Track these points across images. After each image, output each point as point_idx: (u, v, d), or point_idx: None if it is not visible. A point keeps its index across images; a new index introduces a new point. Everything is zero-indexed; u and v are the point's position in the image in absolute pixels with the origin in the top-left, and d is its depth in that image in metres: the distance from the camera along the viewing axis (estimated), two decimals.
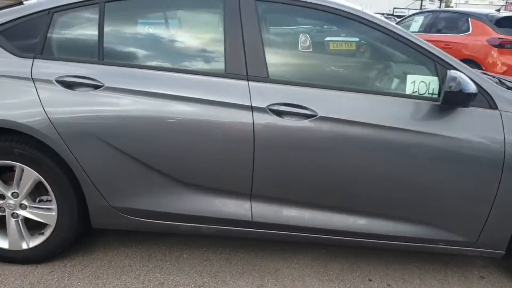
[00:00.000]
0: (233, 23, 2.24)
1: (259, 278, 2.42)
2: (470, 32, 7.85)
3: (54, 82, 2.20)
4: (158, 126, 2.19)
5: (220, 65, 2.26)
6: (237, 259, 2.58)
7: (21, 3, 2.43)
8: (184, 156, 2.23)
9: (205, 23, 2.46)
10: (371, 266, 2.58)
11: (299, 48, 2.42)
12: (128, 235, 2.72)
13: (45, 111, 2.18)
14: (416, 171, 2.19)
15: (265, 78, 2.21)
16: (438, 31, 8.47)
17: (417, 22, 9.06)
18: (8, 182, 2.35)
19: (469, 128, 2.17)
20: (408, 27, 9.10)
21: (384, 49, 2.44)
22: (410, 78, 2.25)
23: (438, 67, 2.23)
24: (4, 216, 2.36)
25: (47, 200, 2.37)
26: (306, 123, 2.16)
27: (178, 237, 2.73)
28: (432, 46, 2.27)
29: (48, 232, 2.38)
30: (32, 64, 2.23)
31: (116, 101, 2.19)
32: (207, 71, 2.30)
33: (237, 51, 2.22)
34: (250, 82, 2.20)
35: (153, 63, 2.32)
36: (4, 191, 2.32)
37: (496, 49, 7.47)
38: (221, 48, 2.25)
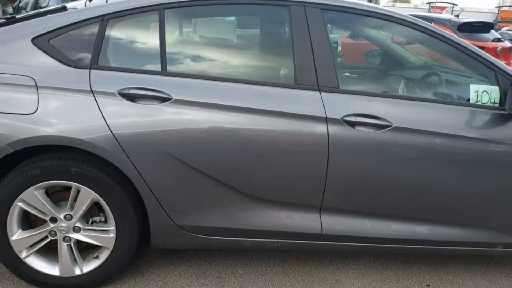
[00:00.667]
0: (301, 33, 2.18)
1: None
2: None
3: (117, 95, 2.03)
4: (228, 140, 2.10)
5: (289, 76, 2.20)
6: (293, 272, 2.53)
7: (64, 8, 2.23)
8: (255, 170, 2.14)
9: (272, 33, 2.38)
10: (424, 271, 2.62)
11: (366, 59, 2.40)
12: (171, 253, 2.59)
13: (108, 127, 2.01)
14: (484, 179, 2.24)
15: (336, 88, 2.18)
16: None
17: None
18: (58, 203, 2.15)
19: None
20: None
21: (448, 60, 2.48)
22: (473, 87, 2.30)
23: (499, 77, 2.29)
24: (54, 240, 2.16)
25: (100, 221, 2.20)
26: (380, 133, 2.15)
27: (223, 251, 2.64)
28: (491, 57, 2.33)
29: (104, 256, 2.20)
30: (90, 75, 2.06)
31: (187, 114, 2.06)
32: (276, 82, 2.22)
33: (306, 61, 2.17)
34: (322, 93, 2.16)
35: (220, 74, 2.21)
36: (56, 214, 2.12)
37: None
38: (289, 58, 2.19)
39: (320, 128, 2.12)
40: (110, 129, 2.01)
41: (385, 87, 2.40)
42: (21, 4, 8.75)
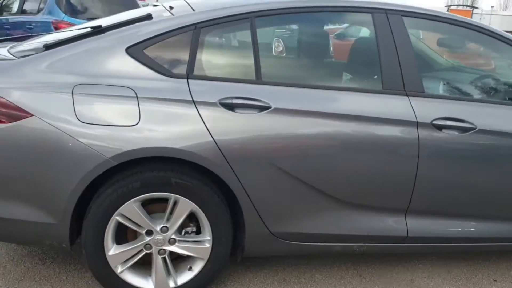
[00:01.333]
0: (386, 39, 2.24)
1: None
2: None
3: (218, 104, 2.02)
4: (325, 147, 2.13)
5: (376, 82, 2.25)
6: (368, 274, 2.58)
7: (150, 16, 2.18)
8: (347, 175, 2.18)
9: (360, 40, 2.41)
10: (488, 267, 2.73)
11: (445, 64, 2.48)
12: (245, 261, 2.57)
13: (212, 137, 2.00)
14: None
15: (422, 93, 2.25)
16: None
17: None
18: (151, 215, 2.11)
19: None
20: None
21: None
22: None
23: None
24: (148, 254, 2.12)
25: (191, 232, 2.17)
26: (465, 136, 2.24)
27: (293, 257, 2.65)
28: None
29: (198, 267, 2.17)
30: (188, 85, 2.03)
31: (286, 122, 2.07)
32: (364, 88, 2.27)
33: (393, 67, 2.23)
34: (410, 98, 2.22)
35: (312, 81, 2.23)
36: (153, 226, 2.08)
37: None
38: (376, 64, 2.24)
39: (412, 132, 2.18)
40: (213, 139, 2.00)
41: (464, 90, 2.50)
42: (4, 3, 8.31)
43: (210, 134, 1.99)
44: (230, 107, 2.03)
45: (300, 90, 2.13)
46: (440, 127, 2.21)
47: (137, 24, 2.13)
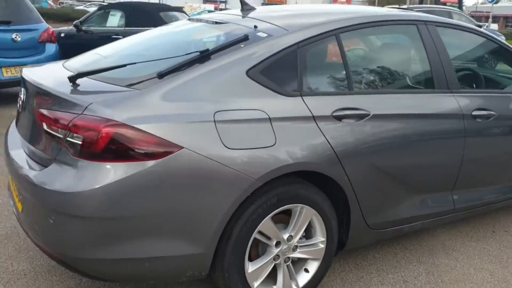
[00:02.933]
0: (431, 47, 2.66)
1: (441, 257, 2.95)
2: None
3: (332, 117, 2.22)
4: (407, 143, 2.47)
5: (430, 82, 2.66)
6: (415, 248, 3.02)
7: (247, 37, 2.23)
8: (421, 165, 2.57)
9: (414, 49, 2.76)
10: (486, 223, 3.39)
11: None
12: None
13: (332, 147, 2.19)
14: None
15: (458, 90, 2.73)
16: None
17: None
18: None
19: None
20: None
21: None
22: None
23: None
24: (274, 264, 2.23)
25: (303, 237, 2.34)
26: (489, 122, 2.79)
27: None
28: None
29: (314, 267, 2.36)
30: (304, 102, 2.18)
31: (382, 126, 2.36)
32: (423, 89, 2.66)
33: (439, 70, 2.66)
34: (454, 94, 2.68)
35: (395, 87, 2.57)
36: (282, 238, 2.20)
37: None
38: (428, 69, 2.65)
39: (460, 124, 2.65)
40: (333, 149, 2.19)
41: (487, 86, 3.08)
42: None
43: (330, 144, 2.19)
44: (339, 118, 2.25)
45: (389, 96, 2.45)
46: (475, 117, 2.72)
47: (242, 45, 2.18)
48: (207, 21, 2.72)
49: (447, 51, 2.73)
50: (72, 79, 2.01)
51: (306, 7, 2.95)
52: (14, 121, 2.56)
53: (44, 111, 1.99)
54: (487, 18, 44.59)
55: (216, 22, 2.61)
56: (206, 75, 2.04)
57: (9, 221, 3.05)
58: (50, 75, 2.34)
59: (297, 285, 2.31)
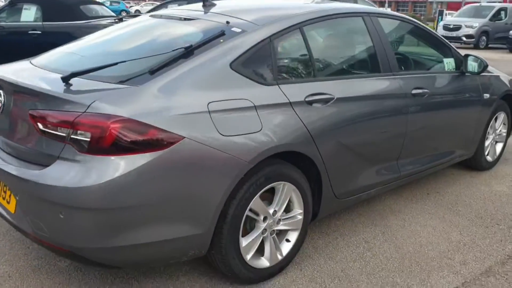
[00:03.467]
0: (375, 36, 3.02)
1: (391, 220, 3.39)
2: None
3: (305, 102, 2.48)
4: (364, 121, 2.82)
5: (377, 67, 3.02)
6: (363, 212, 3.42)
7: (223, 32, 2.40)
8: (377, 138, 2.93)
9: (363, 38, 3.06)
10: (421, 186, 3.89)
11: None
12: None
13: (307, 129, 2.46)
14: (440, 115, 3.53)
15: (399, 72, 3.13)
16: None
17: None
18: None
19: (474, 84, 3.74)
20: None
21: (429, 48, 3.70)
22: (445, 60, 3.60)
23: (453, 51, 3.66)
24: (262, 237, 2.47)
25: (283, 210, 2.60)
26: (426, 98, 3.23)
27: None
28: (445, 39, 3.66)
29: (293, 237, 2.62)
30: (281, 90, 2.42)
31: (344, 107, 2.67)
32: (374, 74, 3.01)
33: (383, 56, 3.03)
34: (396, 76, 3.07)
35: (351, 73, 2.91)
36: (269, 213, 2.44)
37: None
38: (375, 55, 3.01)
39: (404, 101, 3.05)
40: (308, 131, 2.46)
41: (419, 67, 3.49)
42: None
43: (305, 126, 2.45)
44: (310, 103, 2.52)
45: (346, 81, 2.76)
46: (414, 95, 3.14)
47: (221, 40, 2.35)
48: (176, 18, 2.83)
49: (387, 39, 3.11)
50: (65, 79, 2.07)
51: (259, 1, 3.18)
52: None
53: (40, 112, 2.03)
54: (382, 3, 47.64)
55: (186, 19, 2.75)
56: (194, 69, 2.20)
57: None
58: (29, 74, 2.35)
59: (281, 254, 2.57)
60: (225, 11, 2.79)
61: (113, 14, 8.46)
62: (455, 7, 38.14)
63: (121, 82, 2.11)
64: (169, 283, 2.49)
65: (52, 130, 1.99)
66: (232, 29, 2.47)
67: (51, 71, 2.37)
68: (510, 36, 17.35)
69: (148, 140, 1.95)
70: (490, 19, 18.73)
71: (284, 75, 2.52)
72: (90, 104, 1.95)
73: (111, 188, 1.90)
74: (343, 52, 3.07)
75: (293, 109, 2.43)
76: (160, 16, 2.96)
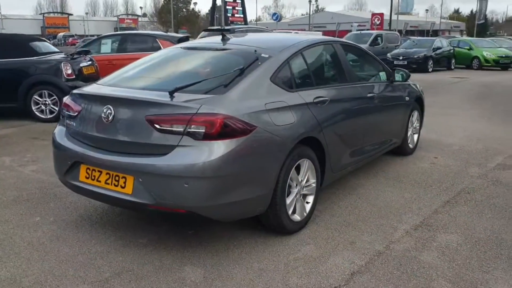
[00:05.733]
0: (342, 56, 4.27)
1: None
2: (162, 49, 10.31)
3: (314, 103, 3.60)
4: (347, 117, 4.01)
5: (344, 78, 4.25)
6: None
7: (257, 58, 3.44)
8: (352, 129, 4.13)
9: (333, 59, 4.25)
10: (370, 169, 5.16)
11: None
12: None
13: (317, 121, 3.57)
14: (383, 113, 4.90)
15: (357, 82, 4.39)
16: (133, 50, 10.43)
17: (107, 45, 10.62)
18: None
19: (399, 90, 5.16)
20: (98, 51, 10.50)
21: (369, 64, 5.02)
22: (381, 74, 4.98)
23: (384, 66, 5.06)
24: (295, 198, 3.49)
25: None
26: (374, 100, 4.53)
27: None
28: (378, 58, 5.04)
29: (311, 199, 3.68)
30: (300, 95, 3.51)
31: (334, 106, 3.84)
32: (344, 83, 4.21)
33: (348, 70, 4.28)
34: (357, 85, 4.33)
35: (332, 83, 4.07)
36: (299, 181, 3.48)
37: None
38: (343, 70, 4.24)
39: (365, 102, 4.32)
40: (318, 122, 3.57)
41: (366, 78, 4.77)
42: None
43: (316, 119, 3.56)
44: (316, 103, 3.64)
45: (334, 88, 3.94)
46: (370, 98, 4.43)
47: (259, 63, 3.38)
48: (213, 48, 3.80)
49: (346, 58, 4.37)
50: (172, 92, 2.96)
51: (263, 36, 4.29)
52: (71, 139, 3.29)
53: (157, 116, 2.89)
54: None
55: (223, 49, 3.73)
56: (251, 83, 3.20)
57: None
58: (125, 91, 3.19)
59: (305, 211, 3.61)
60: (247, 42, 3.83)
61: (56, 50, 8.90)
62: (330, 35, 42.83)
63: (206, 93, 3.04)
64: (230, 242, 3.40)
65: (169, 127, 2.86)
66: (262, 55, 3.51)
67: (138, 88, 3.24)
68: (388, 58, 20.22)
69: (238, 129, 2.91)
70: (370, 44, 21.63)
71: (298, 84, 3.62)
72: (199, 108, 2.86)
73: (219, 162, 2.83)
74: (326, 68, 4.27)
75: (308, 107, 3.53)
76: (195, 48, 3.91)
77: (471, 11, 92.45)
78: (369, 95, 4.45)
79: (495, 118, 8.69)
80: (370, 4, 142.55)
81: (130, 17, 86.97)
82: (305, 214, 3.60)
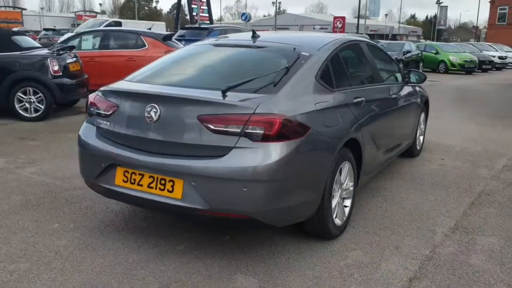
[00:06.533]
0: (370, 58, 4.19)
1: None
2: (147, 47, 9.97)
3: (353, 103, 3.50)
4: (379, 117, 3.93)
5: (374, 79, 4.17)
6: None
7: (299, 56, 3.29)
8: (381, 129, 4.05)
9: (364, 59, 4.15)
10: (386, 172, 5.12)
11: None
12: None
13: (358, 122, 3.47)
14: (403, 114, 4.88)
15: (383, 83, 4.33)
16: (117, 47, 10.03)
17: (88, 41, 10.17)
18: None
19: (413, 91, 5.15)
20: (79, 48, 10.04)
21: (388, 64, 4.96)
22: (397, 75, 4.94)
23: (399, 67, 5.02)
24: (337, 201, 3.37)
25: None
26: (397, 100, 4.49)
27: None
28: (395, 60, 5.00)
29: (349, 203, 3.56)
30: (339, 95, 3.39)
31: (369, 106, 3.75)
32: (375, 83, 4.13)
33: (376, 71, 4.21)
34: (384, 85, 4.26)
35: (367, 83, 3.98)
36: (341, 184, 3.36)
37: None
38: (372, 70, 4.16)
39: (391, 102, 4.26)
40: (358, 123, 3.47)
41: (389, 79, 4.71)
42: None
43: (357, 120, 3.46)
44: (355, 104, 3.54)
45: (366, 88, 3.85)
46: (393, 98, 4.38)
47: (302, 61, 3.23)
48: (243, 45, 3.61)
49: (374, 59, 4.30)
50: (225, 91, 2.77)
51: (289, 34, 4.13)
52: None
53: (212, 116, 2.70)
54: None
55: (258, 47, 3.54)
56: (299, 81, 3.05)
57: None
58: (171, 90, 2.97)
59: (345, 215, 3.50)
60: (277, 40, 3.68)
61: (39, 45, 8.43)
62: None
63: (255, 92, 2.87)
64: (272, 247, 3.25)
65: (225, 128, 2.68)
66: (302, 53, 3.36)
67: (174, 85, 3.04)
68: None
69: (295, 130, 2.77)
70: None
71: (338, 84, 3.49)
72: (256, 107, 2.69)
73: (278, 164, 2.67)
74: (359, 68, 4.17)
75: (349, 108, 3.42)
76: (225, 45, 3.72)
77: (427, 17, 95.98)
78: (393, 96, 4.39)
79: (481, 120, 8.90)
80: (330, 7, 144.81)
81: (88, 13, 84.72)
82: (344, 218, 3.49)
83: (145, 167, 2.88)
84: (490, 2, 52.26)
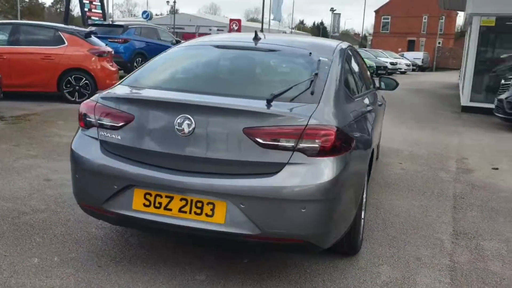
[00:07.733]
0: (360, 63, 4.11)
1: None
2: (66, 44, 9.01)
3: (368, 111, 3.38)
4: (377, 124, 3.86)
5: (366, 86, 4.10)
6: None
7: (319, 61, 3.06)
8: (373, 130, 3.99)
9: (359, 63, 4.00)
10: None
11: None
12: None
13: (372, 126, 3.38)
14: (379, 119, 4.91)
15: (369, 90, 4.29)
16: (29, 43, 8.89)
17: None
18: None
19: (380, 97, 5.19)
20: None
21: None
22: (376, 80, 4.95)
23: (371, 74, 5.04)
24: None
25: None
26: (378, 105, 4.48)
27: None
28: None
29: (363, 215, 3.42)
30: (359, 102, 3.26)
31: (375, 111, 3.67)
32: (369, 89, 4.05)
33: (366, 76, 4.14)
34: (370, 92, 4.22)
35: (365, 88, 3.87)
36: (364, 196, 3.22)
37: (97, 57, 9.22)
38: (364, 76, 4.08)
39: (376, 107, 4.22)
40: (373, 129, 3.37)
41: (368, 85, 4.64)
42: None
43: (372, 126, 3.36)
44: (369, 111, 3.43)
45: (369, 96, 3.75)
46: (378, 104, 4.35)
47: (326, 67, 3.01)
48: (250, 47, 3.23)
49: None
50: (269, 100, 2.46)
51: (295, 37, 3.92)
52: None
53: (261, 129, 2.37)
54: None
55: (270, 50, 3.21)
56: (334, 89, 2.81)
57: None
58: (201, 98, 2.56)
59: (361, 228, 3.36)
60: (285, 43, 3.42)
61: None
62: (190, 37, 42.51)
63: (292, 101, 2.58)
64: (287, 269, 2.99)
65: (276, 142, 2.37)
66: (321, 58, 3.13)
67: (207, 93, 2.63)
68: None
69: (345, 143, 2.55)
70: None
71: (353, 91, 3.34)
72: (309, 119, 2.41)
73: (338, 181, 2.43)
74: (358, 74, 4.03)
75: (366, 116, 3.29)
76: (230, 47, 3.34)
77: (314, 23, 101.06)
78: (378, 101, 4.37)
79: (410, 124, 9.39)
80: (223, 9, 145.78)
81: None
82: (361, 231, 3.35)
83: (174, 188, 2.45)
84: (375, 12, 56.67)
